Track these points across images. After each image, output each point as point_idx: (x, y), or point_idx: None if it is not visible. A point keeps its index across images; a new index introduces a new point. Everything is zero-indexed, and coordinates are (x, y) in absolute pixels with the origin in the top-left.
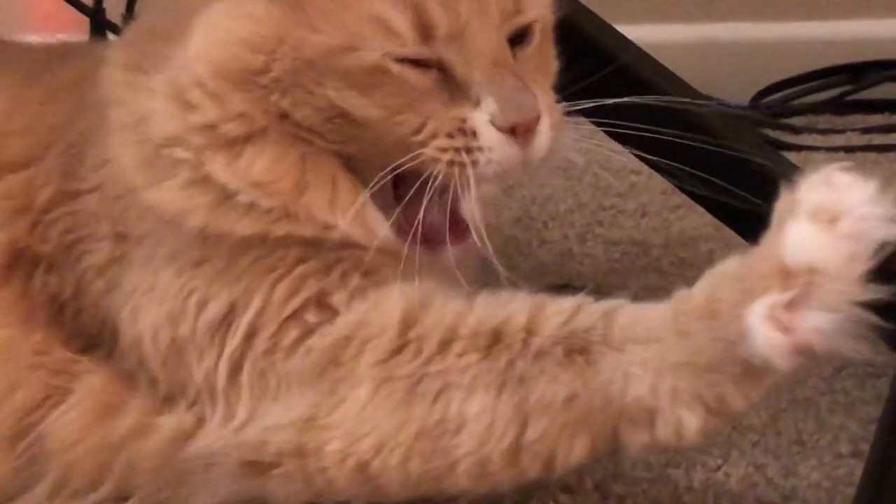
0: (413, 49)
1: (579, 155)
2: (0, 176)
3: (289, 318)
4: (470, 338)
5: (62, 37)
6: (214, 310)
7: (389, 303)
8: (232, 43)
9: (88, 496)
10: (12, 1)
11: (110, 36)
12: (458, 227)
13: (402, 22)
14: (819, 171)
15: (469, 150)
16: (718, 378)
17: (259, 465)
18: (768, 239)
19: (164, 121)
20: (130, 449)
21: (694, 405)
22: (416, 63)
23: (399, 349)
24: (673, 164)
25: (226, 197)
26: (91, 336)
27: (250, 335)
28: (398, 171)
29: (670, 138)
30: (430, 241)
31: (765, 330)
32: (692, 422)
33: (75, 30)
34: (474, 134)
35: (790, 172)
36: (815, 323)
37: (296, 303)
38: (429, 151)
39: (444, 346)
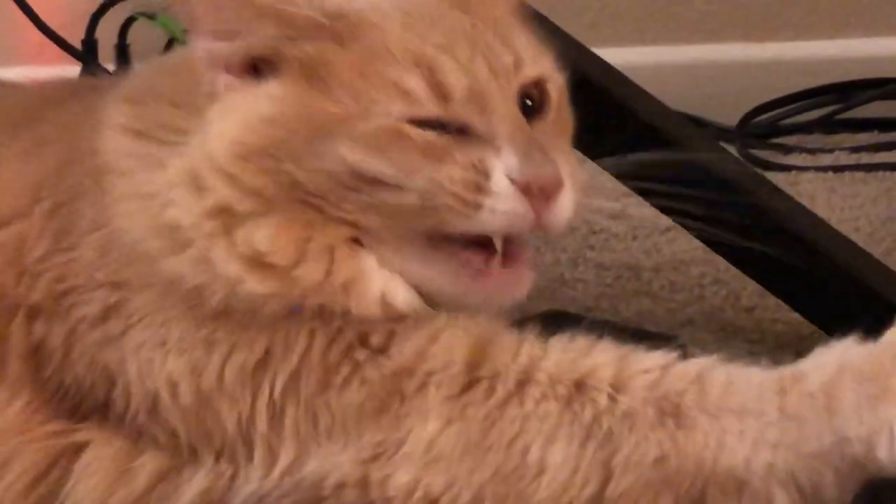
0: (432, 111)
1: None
2: None
3: (337, 360)
4: (549, 384)
5: (51, 71)
6: (244, 357)
7: (450, 337)
8: (251, 123)
9: None
10: (0, 34)
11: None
12: (513, 253)
13: (418, 85)
14: None
15: (478, 189)
16: (820, 467)
17: (315, 496)
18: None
19: (177, 208)
20: None
21: (788, 486)
22: (435, 124)
23: (469, 385)
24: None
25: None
26: (80, 394)
27: (294, 378)
28: (418, 228)
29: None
30: (478, 276)
31: None
32: (783, 500)
33: (64, 62)
34: (487, 175)
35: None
36: None
37: (341, 345)
38: (435, 185)
39: (521, 387)
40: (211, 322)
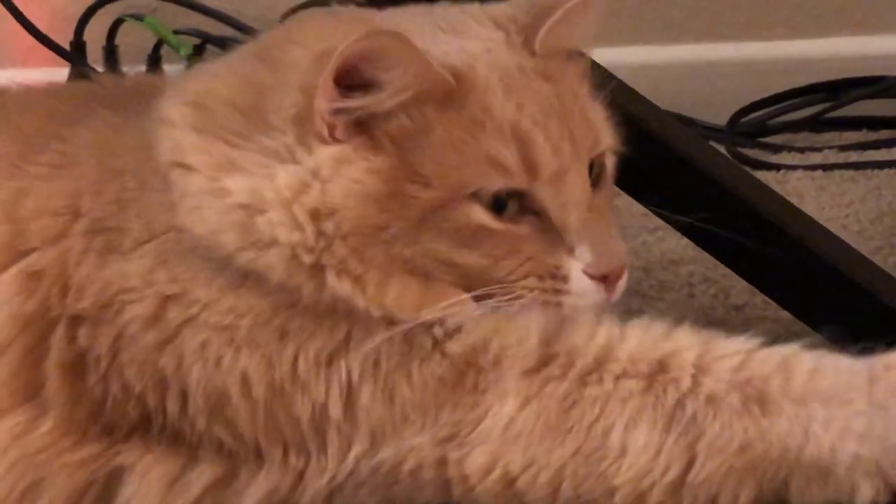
0: (520, 185)
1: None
2: (21, 260)
3: (419, 336)
4: (629, 362)
5: (40, 73)
6: (321, 344)
7: (524, 318)
8: (363, 200)
9: None
10: None
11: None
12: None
13: (513, 159)
14: None
15: (557, 292)
16: None
17: (392, 479)
18: None
19: (275, 224)
20: None
21: (874, 476)
22: (514, 218)
23: (546, 361)
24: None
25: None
26: (122, 408)
27: (374, 358)
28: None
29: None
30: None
31: None
32: (867, 491)
33: (53, 64)
34: (565, 279)
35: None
36: None
37: (422, 325)
38: (517, 289)
39: (600, 364)
40: (285, 311)
